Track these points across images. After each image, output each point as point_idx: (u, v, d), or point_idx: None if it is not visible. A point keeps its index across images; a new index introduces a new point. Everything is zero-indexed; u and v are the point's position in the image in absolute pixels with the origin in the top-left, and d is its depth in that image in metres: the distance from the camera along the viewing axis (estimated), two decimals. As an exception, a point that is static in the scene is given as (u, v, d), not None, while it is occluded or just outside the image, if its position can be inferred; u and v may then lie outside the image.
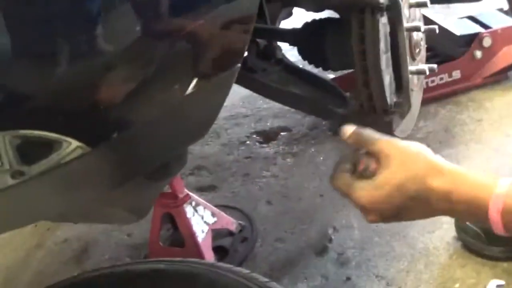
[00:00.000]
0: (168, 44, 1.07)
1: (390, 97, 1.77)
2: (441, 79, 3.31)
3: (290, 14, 2.68)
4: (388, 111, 1.78)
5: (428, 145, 2.59)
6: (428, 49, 3.32)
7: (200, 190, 2.99)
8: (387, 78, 1.75)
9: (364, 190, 1.17)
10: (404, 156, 1.16)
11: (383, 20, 1.71)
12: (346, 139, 1.28)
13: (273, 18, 2.43)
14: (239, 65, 1.23)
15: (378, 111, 1.77)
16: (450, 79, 3.34)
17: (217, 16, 1.15)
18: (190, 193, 2.42)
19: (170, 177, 1.53)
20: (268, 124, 3.53)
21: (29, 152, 1.01)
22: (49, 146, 1.01)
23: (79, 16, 0.94)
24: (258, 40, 2.29)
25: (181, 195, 2.37)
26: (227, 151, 3.34)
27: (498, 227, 1.10)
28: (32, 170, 1.02)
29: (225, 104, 3.65)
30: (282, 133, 3.39)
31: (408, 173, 1.13)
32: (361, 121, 1.83)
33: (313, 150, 3.13)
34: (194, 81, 1.13)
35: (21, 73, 0.91)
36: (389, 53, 1.75)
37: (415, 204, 1.14)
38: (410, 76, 1.83)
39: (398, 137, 1.91)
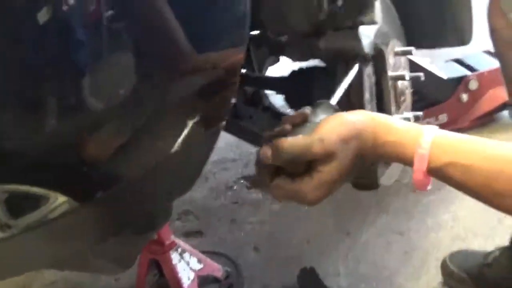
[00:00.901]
0: (156, 101, 1.09)
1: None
2: (428, 123, 3.34)
3: (277, 60, 2.71)
4: (373, 160, 1.80)
5: (415, 190, 2.63)
6: (414, 93, 3.37)
7: (186, 235, 3.00)
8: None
9: (311, 183, 1.16)
10: (342, 142, 1.15)
11: (368, 70, 1.74)
12: (272, 162, 1.19)
13: (260, 65, 2.46)
14: (224, 122, 1.25)
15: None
16: (437, 123, 3.37)
17: (203, 74, 1.17)
18: (176, 240, 2.45)
19: (155, 229, 1.55)
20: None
21: (16, 206, 1.03)
22: (36, 201, 1.03)
23: (68, 71, 0.95)
24: (245, 87, 2.32)
25: (167, 242, 2.39)
26: (215, 196, 3.35)
27: (419, 177, 1.14)
28: (19, 224, 1.04)
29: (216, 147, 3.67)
30: None
31: (346, 150, 1.14)
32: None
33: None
34: (181, 138, 1.15)
35: (7, 128, 0.93)
36: (374, 102, 1.78)
37: (354, 164, 1.16)
38: (395, 124, 1.85)
39: (381, 185, 1.96)
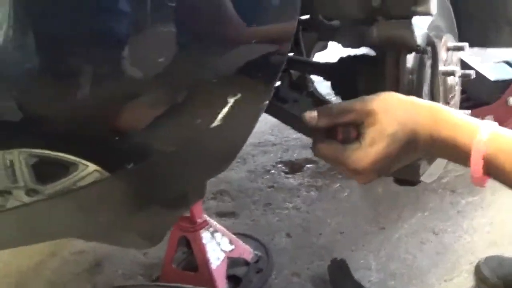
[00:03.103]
0: (198, 75, 1.04)
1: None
2: (473, 124, 3.25)
3: (325, 47, 2.65)
4: (417, 156, 1.74)
5: (454, 190, 2.57)
6: (461, 92, 3.30)
7: (220, 215, 2.99)
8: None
9: (359, 151, 1.13)
10: (385, 107, 1.13)
11: (428, 62, 1.67)
12: (317, 123, 1.20)
13: (308, 50, 2.40)
14: (267, 102, 1.19)
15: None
16: (482, 124, 3.28)
17: (249, 47, 1.12)
18: (209, 219, 2.41)
19: (187, 207, 1.50)
20: (295, 154, 3.52)
21: (45, 171, 0.99)
22: (65, 168, 0.98)
23: (106, 37, 0.91)
24: (291, 71, 2.26)
25: (199, 220, 2.36)
26: (252, 178, 3.33)
27: (477, 174, 1.09)
28: (46, 190, 1.00)
29: (254, 130, 3.69)
30: (308, 165, 3.38)
31: (395, 121, 1.11)
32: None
33: (338, 185, 3.11)
34: (221, 114, 1.10)
35: (42, 93, 0.89)
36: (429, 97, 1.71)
37: (406, 150, 1.12)
38: (442, 121, 1.78)
39: (423, 182, 1.89)
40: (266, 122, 2.19)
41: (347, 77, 1.98)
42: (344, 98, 2.05)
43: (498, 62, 3.61)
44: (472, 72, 1.88)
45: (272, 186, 3.20)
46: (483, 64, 3.51)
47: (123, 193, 1.12)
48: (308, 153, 3.46)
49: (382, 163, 1.13)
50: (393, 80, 1.66)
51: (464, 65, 2.68)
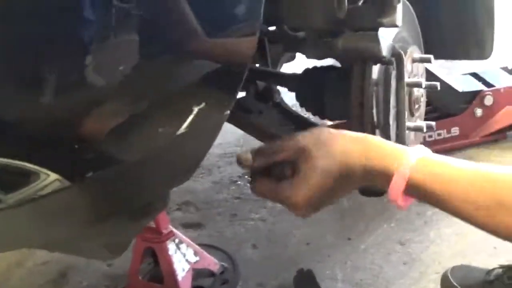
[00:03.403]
0: (160, 84, 1.04)
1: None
2: (439, 134, 3.31)
3: (293, 57, 2.66)
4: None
5: (419, 201, 2.57)
6: (427, 103, 3.32)
7: (185, 226, 2.97)
8: (393, 134, 1.73)
9: (293, 187, 1.16)
10: (317, 142, 1.16)
11: (394, 73, 1.69)
12: (251, 164, 1.24)
13: (275, 61, 2.41)
14: (228, 111, 1.20)
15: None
16: (448, 135, 3.33)
17: (214, 54, 1.13)
18: (174, 230, 2.41)
19: (151, 217, 1.50)
20: None
21: (6, 180, 0.98)
22: (27, 177, 0.98)
23: (68, 45, 0.91)
24: (257, 81, 2.27)
25: (165, 231, 2.35)
26: (217, 189, 3.32)
27: (394, 196, 1.14)
28: (8, 199, 0.99)
29: (220, 141, 3.66)
30: None
31: (327, 156, 1.14)
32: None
33: (304, 197, 3.06)
34: (185, 123, 1.10)
35: (1, 100, 0.88)
36: (395, 109, 1.73)
37: (340, 183, 1.15)
38: (407, 132, 1.80)
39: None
40: (232, 133, 2.20)
41: (312, 89, 1.99)
42: (308, 110, 2.07)
43: (465, 74, 3.66)
44: (437, 84, 1.90)
45: (238, 197, 3.19)
46: (451, 75, 3.56)
47: (85, 202, 1.12)
48: (275, 164, 3.43)
49: (316, 197, 1.16)
50: (358, 92, 1.68)
51: (430, 76, 2.72)
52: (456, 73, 3.80)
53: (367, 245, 2.65)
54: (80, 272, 2.69)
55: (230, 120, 2.22)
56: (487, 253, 2.48)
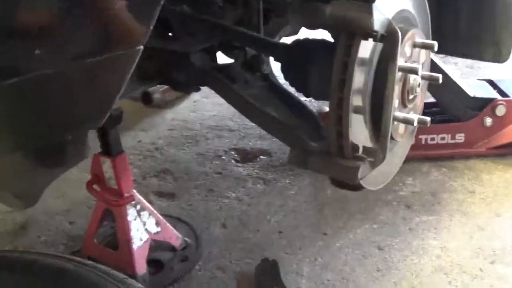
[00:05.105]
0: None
1: (363, 140, 1.56)
2: (443, 138, 3.11)
3: (295, 32, 2.48)
4: (357, 156, 1.56)
5: (409, 206, 2.41)
6: (435, 104, 3.13)
7: (158, 195, 2.89)
8: (361, 118, 1.54)
9: None
10: None
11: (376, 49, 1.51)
12: None
13: (274, 32, 2.24)
14: (141, 46, 1.02)
15: (346, 153, 1.55)
16: (452, 141, 3.13)
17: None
18: (137, 195, 2.28)
19: (64, 166, 1.33)
20: (251, 144, 3.39)
21: None
22: None
23: None
24: (247, 48, 2.10)
25: (126, 194, 2.21)
26: (200, 162, 3.21)
27: None
28: None
29: (213, 113, 3.60)
30: (261, 157, 3.24)
31: None
32: (327, 162, 1.65)
33: (287, 181, 2.97)
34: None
35: None
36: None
37: None
38: (395, 123, 1.61)
39: (364, 188, 1.72)
40: (228, 107, 2.06)
41: (297, 62, 1.82)
42: (292, 84, 1.90)
43: (481, 80, 3.45)
44: (438, 76, 1.71)
45: (220, 173, 3.09)
46: (465, 79, 3.35)
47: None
48: (264, 144, 3.34)
49: None
50: (341, 69, 1.49)
51: (440, 73, 2.51)
52: (471, 78, 3.60)
53: (343, 244, 2.50)
54: (40, 227, 2.64)
55: (212, 86, 2.06)
56: (471, 274, 2.31)
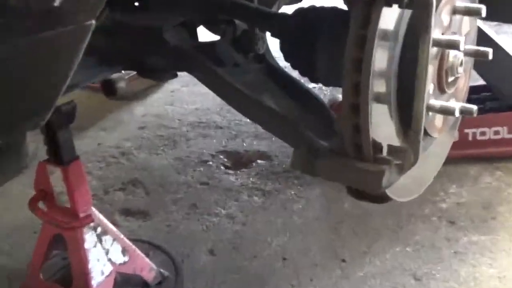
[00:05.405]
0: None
1: (387, 137, 1.56)
2: (496, 133, 3.11)
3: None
4: (380, 157, 1.56)
5: (453, 222, 2.42)
6: (484, 88, 3.14)
7: (125, 213, 2.90)
8: (384, 108, 1.54)
9: None
10: None
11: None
12: None
13: (270, 1, 2.25)
14: (93, 20, 1.02)
15: (365, 153, 1.55)
16: (509, 136, 3.12)
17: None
18: (98, 214, 2.28)
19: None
20: (245, 144, 3.43)
21: None
22: None
23: None
24: (236, 22, 2.10)
25: (82, 214, 2.20)
26: (179, 169, 3.24)
27: None
28: None
29: (195, 106, 3.63)
30: (259, 161, 3.28)
31: None
32: (341, 166, 1.64)
33: (292, 192, 3.00)
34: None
35: None
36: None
37: None
38: (430, 114, 1.61)
39: (392, 199, 1.72)
40: (214, 97, 2.06)
41: (303, 39, 1.82)
42: (295, 67, 1.90)
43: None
44: (488, 51, 1.71)
45: (206, 183, 3.11)
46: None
47: None
48: (262, 145, 3.37)
49: None
50: (357, 45, 1.48)
51: (491, 45, 2.53)
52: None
53: (367, 273, 2.51)
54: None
55: (192, 71, 2.07)
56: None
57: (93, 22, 1.08)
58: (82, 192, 2.19)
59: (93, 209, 2.25)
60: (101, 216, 2.29)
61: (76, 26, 1.06)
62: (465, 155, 3.02)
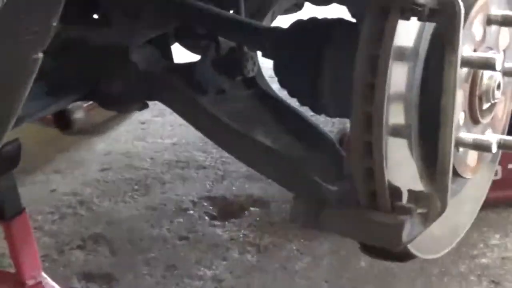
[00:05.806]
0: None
1: (408, 180, 1.57)
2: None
3: (299, 6, 2.52)
4: (399, 205, 1.57)
5: (498, 283, 2.45)
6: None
7: (86, 278, 2.89)
8: (404, 143, 1.56)
9: None
10: None
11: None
12: None
13: (260, 9, 2.28)
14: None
15: (381, 202, 1.56)
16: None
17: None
18: (50, 282, 2.28)
19: None
20: (234, 188, 3.44)
21: None
22: None
23: None
24: (220, 38, 2.12)
25: (30, 281, 2.22)
26: (153, 220, 3.24)
27: None
28: None
29: (172, 141, 3.68)
30: (252, 208, 3.28)
31: None
32: (352, 218, 1.65)
33: (295, 248, 2.99)
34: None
35: None
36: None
37: None
38: (460, 150, 1.63)
39: (416, 256, 1.73)
40: (193, 133, 2.08)
41: (301, 58, 1.84)
42: (293, 95, 1.93)
43: None
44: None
45: (186, 238, 3.11)
46: None
47: None
48: (255, 188, 3.37)
49: None
50: (368, 66, 1.50)
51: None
52: None
53: None
54: None
55: (166, 100, 2.09)
56: None
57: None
58: (30, 253, 2.20)
59: (44, 274, 2.25)
60: (53, 284, 2.29)
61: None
62: (509, 197, 3.02)
